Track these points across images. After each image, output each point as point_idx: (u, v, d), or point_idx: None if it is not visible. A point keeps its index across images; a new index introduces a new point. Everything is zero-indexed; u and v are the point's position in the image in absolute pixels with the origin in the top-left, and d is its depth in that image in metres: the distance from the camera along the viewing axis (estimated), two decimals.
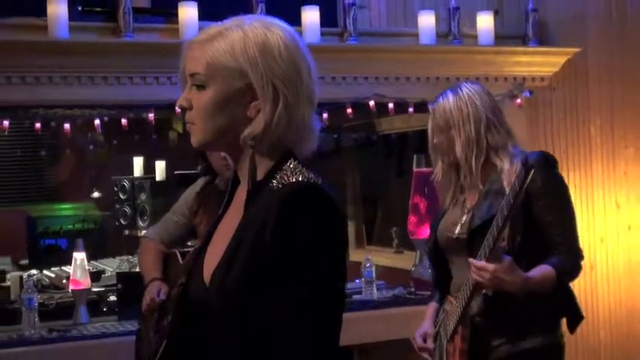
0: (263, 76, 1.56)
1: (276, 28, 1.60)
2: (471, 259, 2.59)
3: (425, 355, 2.90)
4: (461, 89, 2.84)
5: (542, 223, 2.66)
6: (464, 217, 2.82)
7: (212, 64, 1.57)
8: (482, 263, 2.54)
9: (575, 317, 2.78)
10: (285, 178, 1.56)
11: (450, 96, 2.83)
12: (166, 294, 3.13)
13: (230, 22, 1.62)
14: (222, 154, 3.09)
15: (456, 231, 2.81)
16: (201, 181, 3.49)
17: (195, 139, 1.62)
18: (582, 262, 2.72)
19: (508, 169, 2.71)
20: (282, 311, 1.49)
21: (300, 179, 1.56)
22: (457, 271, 2.85)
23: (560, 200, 2.72)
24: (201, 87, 1.59)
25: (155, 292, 3.15)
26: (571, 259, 2.68)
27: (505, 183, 2.69)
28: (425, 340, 2.90)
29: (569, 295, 2.78)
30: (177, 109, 1.67)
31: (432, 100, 2.93)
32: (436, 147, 2.86)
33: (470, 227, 2.74)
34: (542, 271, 2.61)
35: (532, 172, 2.41)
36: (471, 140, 2.76)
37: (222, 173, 3.28)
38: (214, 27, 1.62)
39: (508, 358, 2.70)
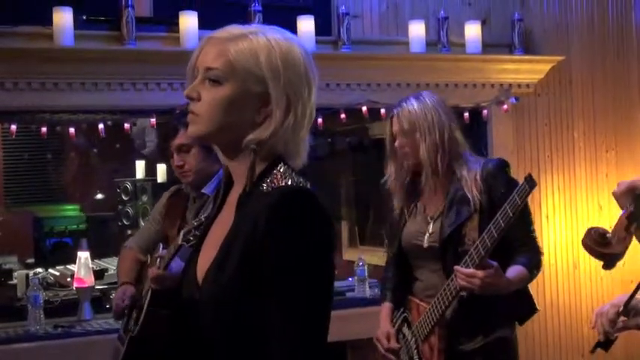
0: (281, 87, 1.56)
1: (297, 45, 1.61)
2: (457, 268, 2.66)
3: (391, 356, 2.93)
4: (424, 97, 2.91)
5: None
6: (430, 226, 2.88)
7: (233, 64, 1.56)
8: (471, 271, 2.63)
9: (531, 310, 2.94)
10: (275, 182, 1.57)
11: (415, 102, 2.88)
12: (130, 297, 3.25)
13: (253, 27, 1.62)
14: (178, 162, 3.15)
15: (425, 240, 2.87)
16: (173, 189, 3.53)
17: (195, 129, 1.60)
18: (542, 258, 2.85)
19: (466, 176, 2.80)
20: (271, 311, 1.49)
21: (289, 183, 1.56)
22: (424, 275, 2.92)
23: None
24: (216, 82, 1.57)
25: (120, 297, 3.27)
26: (535, 257, 2.81)
27: (467, 190, 2.78)
28: (388, 340, 2.95)
29: (527, 292, 2.92)
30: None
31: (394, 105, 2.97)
32: (396, 150, 2.90)
33: (441, 236, 2.81)
34: (517, 271, 2.74)
35: (534, 188, 2.50)
36: (437, 145, 2.82)
37: (181, 179, 3.29)
38: (237, 28, 1.61)
39: (484, 347, 2.81)
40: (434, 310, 2.81)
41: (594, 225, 2.45)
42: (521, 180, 2.62)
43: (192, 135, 1.63)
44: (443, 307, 2.77)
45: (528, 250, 2.81)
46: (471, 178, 2.80)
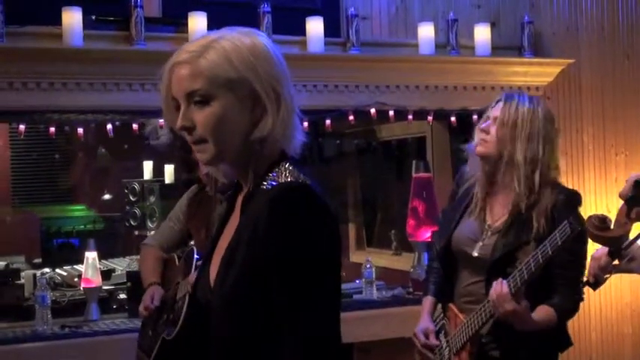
0: (263, 81, 1.57)
1: (258, 35, 1.61)
2: (496, 290, 2.57)
3: (427, 352, 2.89)
4: (538, 103, 2.79)
5: (556, 260, 2.58)
6: (485, 237, 2.79)
7: (212, 78, 1.54)
8: (506, 293, 2.54)
9: (566, 344, 2.86)
10: (276, 179, 1.58)
11: (527, 102, 2.77)
12: (160, 299, 3.27)
13: (210, 35, 1.60)
14: (206, 170, 3.11)
15: (476, 250, 2.79)
16: (193, 189, 3.57)
17: (208, 156, 1.59)
18: (581, 304, 2.74)
19: (544, 203, 2.68)
20: (279, 309, 1.50)
21: (289, 180, 1.57)
22: (466, 281, 2.84)
23: (577, 243, 2.59)
24: (203, 103, 1.55)
25: (149, 299, 3.28)
26: (571, 301, 2.71)
27: (535, 216, 2.67)
28: (427, 337, 2.89)
29: (564, 328, 2.84)
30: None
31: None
32: (483, 134, 2.79)
33: (493, 253, 2.72)
34: (545, 314, 2.64)
35: (575, 234, 2.41)
36: (535, 158, 2.71)
37: (208, 184, 3.36)
38: (194, 43, 1.59)
39: None
40: (469, 326, 2.75)
41: None
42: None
43: (207, 162, 1.62)
44: (478, 325, 2.71)
45: (568, 293, 2.69)
46: (543, 204, 2.69)
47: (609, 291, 4.98)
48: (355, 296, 4.36)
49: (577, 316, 2.87)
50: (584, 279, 2.59)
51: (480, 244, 2.79)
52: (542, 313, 2.65)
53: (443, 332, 2.90)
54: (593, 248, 2.64)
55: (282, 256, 1.50)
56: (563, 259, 2.61)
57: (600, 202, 4.98)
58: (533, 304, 2.63)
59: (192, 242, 3.51)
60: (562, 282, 2.68)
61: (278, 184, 1.57)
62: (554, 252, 2.47)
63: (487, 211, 2.84)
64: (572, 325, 4.85)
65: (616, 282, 4.98)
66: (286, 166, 1.60)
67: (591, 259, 2.41)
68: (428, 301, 2.99)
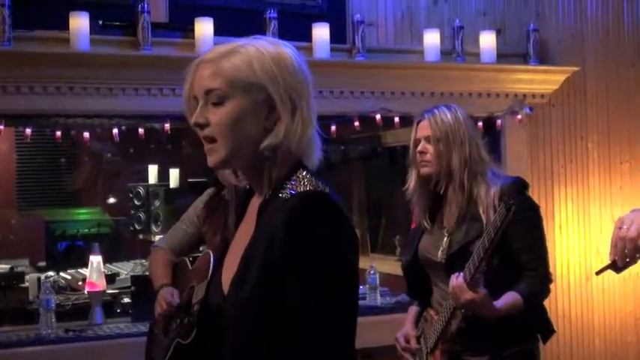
0: (282, 89, 1.58)
1: (284, 47, 1.64)
2: (453, 277, 2.65)
3: (407, 355, 2.97)
4: (455, 109, 2.89)
5: (514, 249, 2.73)
6: (444, 241, 2.87)
7: (231, 80, 1.57)
8: (460, 284, 2.61)
9: (548, 332, 2.89)
10: (295, 189, 1.57)
11: (447, 112, 2.87)
12: (179, 298, 3.21)
13: (237, 41, 1.63)
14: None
15: (438, 255, 2.87)
16: (209, 191, 3.54)
17: (215, 158, 1.60)
18: (550, 285, 2.79)
19: (484, 196, 2.77)
20: (299, 317, 1.49)
21: (308, 189, 1.57)
22: (437, 287, 2.93)
23: (529, 226, 2.77)
24: (219, 103, 1.58)
25: (169, 296, 3.22)
26: (539, 284, 2.76)
27: (481, 210, 2.76)
28: (408, 341, 2.98)
29: (543, 313, 2.88)
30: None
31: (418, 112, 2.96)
32: (423, 156, 2.86)
33: (448, 252, 2.82)
34: (510, 299, 2.69)
35: (512, 211, 2.47)
36: (467, 160, 2.81)
37: (230, 185, 3.30)
38: (223, 46, 1.62)
39: None
40: (437, 324, 2.83)
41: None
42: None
43: (214, 165, 1.63)
44: (444, 321, 2.79)
45: (533, 276, 2.76)
46: (488, 196, 2.77)
47: (613, 299, 5.00)
48: (359, 302, 4.34)
49: (580, 324, 2.87)
50: (610, 260, 2.28)
51: (441, 248, 2.87)
52: (507, 299, 2.69)
53: (422, 337, 2.96)
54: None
55: (303, 265, 1.50)
56: (521, 244, 2.72)
57: (605, 210, 4.99)
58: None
59: (205, 246, 3.48)
60: (525, 267, 2.74)
61: (297, 193, 1.57)
62: (497, 233, 2.52)
63: (443, 219, 2.92)
64: (576, 333, 4.88)
65: (620, 290, 4.99)
66: (304, 174, 1.61)
67: (618, 239, 2.16)
68: (412, 310, 3.09)
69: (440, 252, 2.87)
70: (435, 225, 2.94)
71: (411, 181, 2.96)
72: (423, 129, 2.89)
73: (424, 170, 2.88)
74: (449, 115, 2.86)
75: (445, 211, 2.92)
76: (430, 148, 2.86)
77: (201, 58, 1.63)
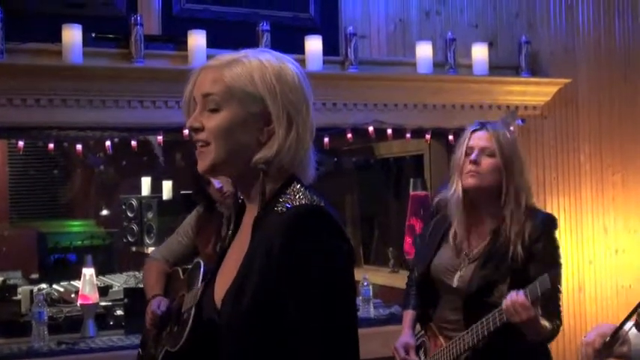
0: (279, 104, 1.59)
1: (289, 63, 1.65)
2: (513, 299, 2.58)
3: None
4: (508, 127, 2.83)
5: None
6: (463, 267, 2.79)
7: (230, 87, 1.59)
8: (525, 301, 2.55)
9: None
10: (290, 202, 1.57)
11: (505, 130, 2.81)
12: (166, 307, 3.27)
13: (244, 52, 1.65)
14: (218, 185, 3.22)
15: (455, 279, 2.79)
16: (204, 204, 3.54)
17: (206, 163, 1.61)
18: (560, 327, 2.77)
19: (516, 232, 2.71)
20: (296, 332, 1.49)
21: (303, 202, 1.57)
22: (444, 306, 2.86)
23: (549, 266, 2.67)
24: (215, 109, 1.60)
25: (156, 305, 3.28)
26: (556, 325, 2.73)
27: (512, 245, 2.69)
28: (407, 352, 2.91)
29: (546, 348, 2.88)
30: (186, 132, 1.68)
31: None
32: (474, 166, 2.77)
33: (470, 285, 2.74)
34: (546, 324, 2.68)
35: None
36: (520, 189, 2.74)
37: (221, 202, 3.34)
38: (228, 55, 1.64)
39: None
40: (449, 353, 2.77)
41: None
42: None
43: (203, 170, 1.64)
44: (457, 354, 2.74)
45: (553, 320, 2.72)
46: (522, 231, 2.71)
47: (606, 310, 5.00)
48: None
49: (573, 334, 2.89)
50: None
51: (459, 273, 2.80)
52: (544, 323, 2.67)
53: (423, 349, 2.91)
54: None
55: (301, 279, 1.50)
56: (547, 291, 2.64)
57: (597, 221, 5.00)
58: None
59: (198, 257, 3.50)
60: (548, 310, 2.69)
61: (293, 207, 1.57)
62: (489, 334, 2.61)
63: (466, 240, 2.84)
64: (569, 344, 4.86)
65: (613, 301, 4.99)
66: (298, 187, 1.61)
67: (584, 345, 2.36)
68: (409, 314, 3.01)
69: (457, 278, 2.79)
70: (451, 241, 2.85)
71: (458, 192, 2.79)
72: (481, 140, 2.79)
73: (469, 181, 2.77)
74: (507, 133, 2.80)
75: (470, 231, 2.83)
76: (486, 161, 2.77)
77: (206, 63, 1.66)
